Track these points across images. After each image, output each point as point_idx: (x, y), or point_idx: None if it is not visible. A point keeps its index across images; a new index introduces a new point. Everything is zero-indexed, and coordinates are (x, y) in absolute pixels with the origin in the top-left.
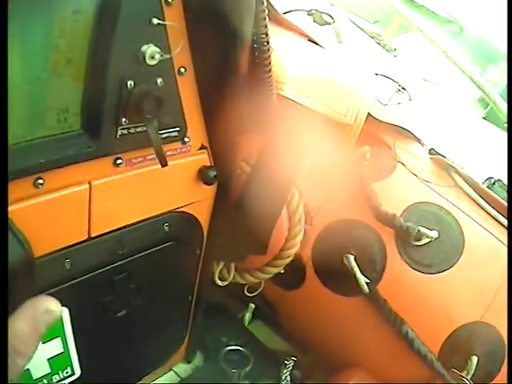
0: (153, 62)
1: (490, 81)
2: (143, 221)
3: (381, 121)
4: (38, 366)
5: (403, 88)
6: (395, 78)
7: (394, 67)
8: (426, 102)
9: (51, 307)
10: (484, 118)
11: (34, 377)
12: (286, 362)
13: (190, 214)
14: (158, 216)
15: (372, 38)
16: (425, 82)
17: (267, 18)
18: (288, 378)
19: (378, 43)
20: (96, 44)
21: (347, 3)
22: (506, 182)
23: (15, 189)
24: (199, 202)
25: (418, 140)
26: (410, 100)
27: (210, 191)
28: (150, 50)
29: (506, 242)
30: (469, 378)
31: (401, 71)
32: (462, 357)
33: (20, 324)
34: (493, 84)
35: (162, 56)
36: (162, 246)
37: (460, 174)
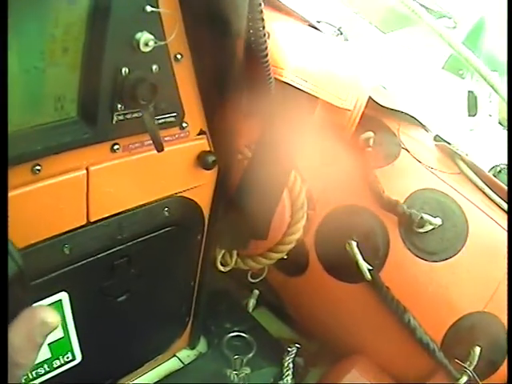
0: (147, 49)
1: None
2: (142, 206)
3: (384, 106)
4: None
5: (340, 31)
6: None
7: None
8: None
9: (47, 319)
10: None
11: (35, 361)
12: (289, 348)
13: (190, 199)
14: (157, 201)
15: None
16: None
17: (262, 3)
18: (291, 364)
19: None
20: (91, 32)
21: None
22: None
23: (13, 175)
24: (199, 187)
25: (423, 126)
26: (346, 40)
27: (210, 176)
28: (144, 37)
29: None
30: (471, 368)
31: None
32: (465, 347)
33: (17, 337)
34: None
35: (156, 43)
36: (163, 230)
37: (465, 161)
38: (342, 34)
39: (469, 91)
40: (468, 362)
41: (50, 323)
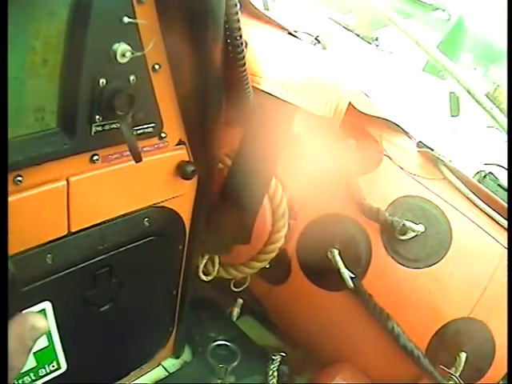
0: (124, 60)
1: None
2: (123, 216)
3: (367, 114)
4: None
5: (318, 40)
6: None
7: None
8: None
9: (37, 324)
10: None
11: (21, 370)
12: (273, 357)
13: (170, 208)
14: (137, 211)
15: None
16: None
17: (239, 12)
18: (275, 373)
19: (358, 35)
20: (70, 44)
21: None
22: (496, 175)
23: None
24: (180, 197)
25: (406, 133)
26: (325, 49)
27: (190, 186)
28: (121, 48)
29: (496, 237)
30: (457, 374)
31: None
32: (451, 353)
33: (9, 341)
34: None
35: (133, 54)
36: (143, 240)
37: (448, 167)
38: (319, 42)
39: (450, 92)
40: (454, 368)
41: (39, 328)
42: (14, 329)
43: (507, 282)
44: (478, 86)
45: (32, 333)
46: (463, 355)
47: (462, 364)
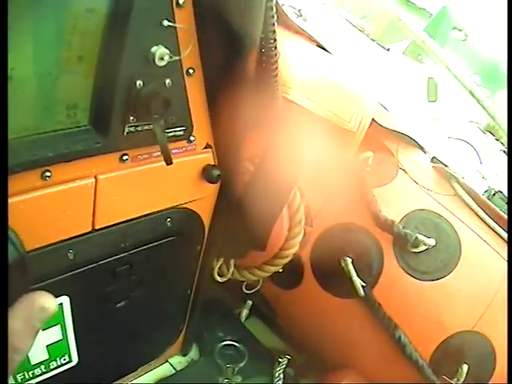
0: (162, 63)
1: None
2: (146, 215)
3: (385, 127)
4: (37, 352)
5: (300, 13)
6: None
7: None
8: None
9: (46, 304)
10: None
11: (32, 362)
12: (279, 359)
13: (192, 210)
14: (161, 211)
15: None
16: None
17: (276, 23)
18: (281, 375)
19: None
20: (107, 43)
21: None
22: (505, 193)
23: (23, 180)
24: (202, 200)
25: (421, 148)
26: (305, 21)
27: (212, 189)
28: (160, 51)
29: (502, 254)
30: None
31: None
32: (453, 364)
33: (16, 321)
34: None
35: (171, 58)
36: (164, 240)
37: (461, 184)
38: (301, 15)
39: (428, 77)
40: (455, 379)
41: (47, 309)
42: (22, 309)
43: (507, 287)
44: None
45: (41, 313)
46: (465, 367)
47: (464, 375)
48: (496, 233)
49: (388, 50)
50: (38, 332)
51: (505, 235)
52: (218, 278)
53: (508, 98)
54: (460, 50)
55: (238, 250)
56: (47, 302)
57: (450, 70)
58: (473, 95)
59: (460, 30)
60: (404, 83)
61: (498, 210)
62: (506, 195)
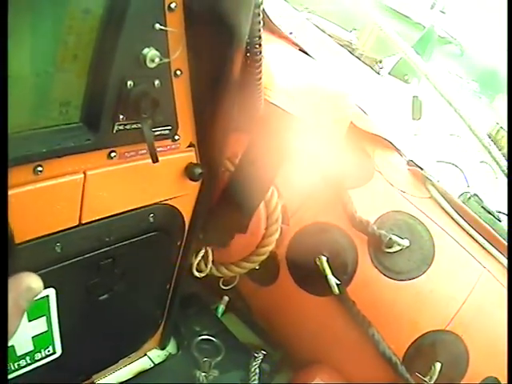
0: (152, 65)
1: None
2: (130, 211)
3: (362, 129)
4: (22, 343)
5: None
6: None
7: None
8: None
9: (32, 285)
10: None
11: (18, 353)
12: (255, 354)
13: (174, 206)
14: (144, 207)
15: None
16: None
17: (262, 26)
18: (257, 370)
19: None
20: (101, 43)
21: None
22: (481, 197)
23: (16, 174)
24: (183, 197)
25: (398, 150)
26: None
27: (194, 187)
28: (151, 53)
29: (476, 256)
30: (431, 383)
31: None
32: (426, 362)
33: None
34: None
35: (161, 60)
36: (147, 235)
37: (436, 187)
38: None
39: (413, 96)
40: (428, 377)
41: (34, 289)
42: (10, 290)
43: (507, 292)
44: (482, 116)
45: (27, 294)
46: (438, 365)
47: (437, 373)
48: (470, 235)
49: (380, 61)
50: (24, 312)
51: (479, 238)
52: (197, 274)
53: (508, 103)
54: (458, 58)
55: (221, 236)
56: (33, 282)
57: (429, 80)
58: (451, 105)
59: (456, 45)
60: (389, 102)
61: (472, 212)
62: (482, 199)
